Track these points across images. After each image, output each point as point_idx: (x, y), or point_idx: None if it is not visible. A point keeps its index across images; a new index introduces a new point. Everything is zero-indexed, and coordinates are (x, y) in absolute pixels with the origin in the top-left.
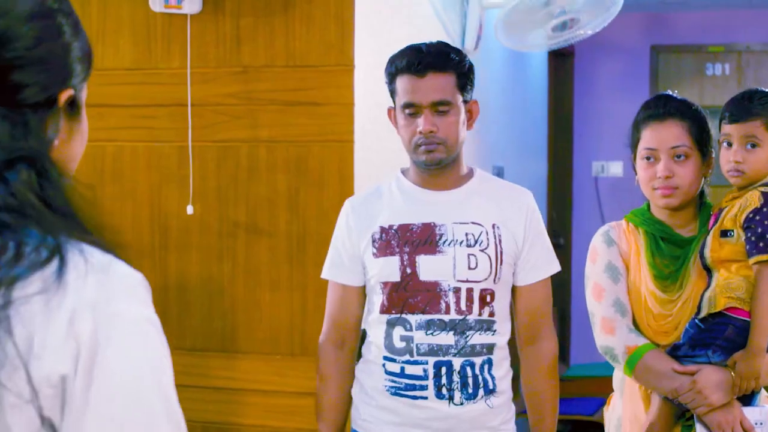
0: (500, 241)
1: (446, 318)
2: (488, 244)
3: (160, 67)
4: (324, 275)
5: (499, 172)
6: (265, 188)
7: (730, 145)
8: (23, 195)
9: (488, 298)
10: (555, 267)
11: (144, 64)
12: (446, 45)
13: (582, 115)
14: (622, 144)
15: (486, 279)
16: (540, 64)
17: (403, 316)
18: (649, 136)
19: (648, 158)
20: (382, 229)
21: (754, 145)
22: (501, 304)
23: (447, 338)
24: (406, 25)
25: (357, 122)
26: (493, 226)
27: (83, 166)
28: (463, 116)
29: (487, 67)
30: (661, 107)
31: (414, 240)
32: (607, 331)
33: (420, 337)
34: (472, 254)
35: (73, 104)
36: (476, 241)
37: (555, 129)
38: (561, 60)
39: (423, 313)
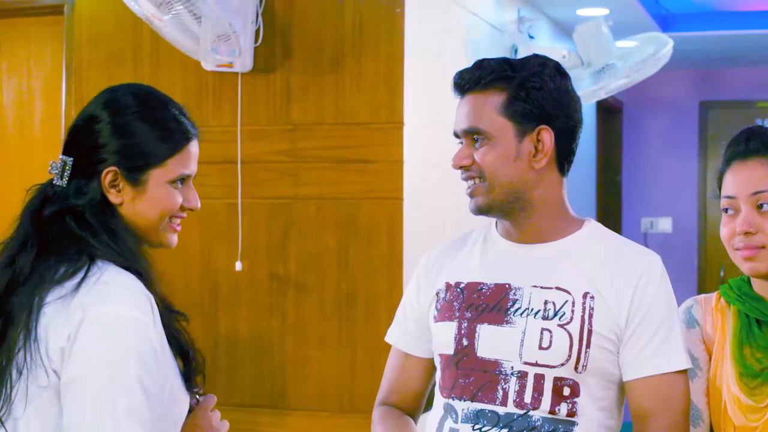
0: (591, 315)
1: (501, 411)
2: (572, 319)
3: (210, 124)
4: (387, 337)
5: None
6: (315, 245)
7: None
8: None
9: (566, 391)
10: (683, 361)
11: (195, 121)
12: (515, 58)
13: (631, 171)
14: (671, 199)
15: (563, 365)
16: (588, 119)
17: (451, 402)
18: (729, 182)
19: (726, 210)
20: (448, 287)
21: None
22: (592, 403)
23: None
24: None
25: (406, 179)
26: (585, 295)
27: None
28: (515, 149)
29: None
30: (743, 143)
31: (480, 304)
32: None
33: None
34: (547, 329)
35: (116, 179)
36: (556, 313)
37: (603, 185)
38: (609, 115)
39: (473, 400)
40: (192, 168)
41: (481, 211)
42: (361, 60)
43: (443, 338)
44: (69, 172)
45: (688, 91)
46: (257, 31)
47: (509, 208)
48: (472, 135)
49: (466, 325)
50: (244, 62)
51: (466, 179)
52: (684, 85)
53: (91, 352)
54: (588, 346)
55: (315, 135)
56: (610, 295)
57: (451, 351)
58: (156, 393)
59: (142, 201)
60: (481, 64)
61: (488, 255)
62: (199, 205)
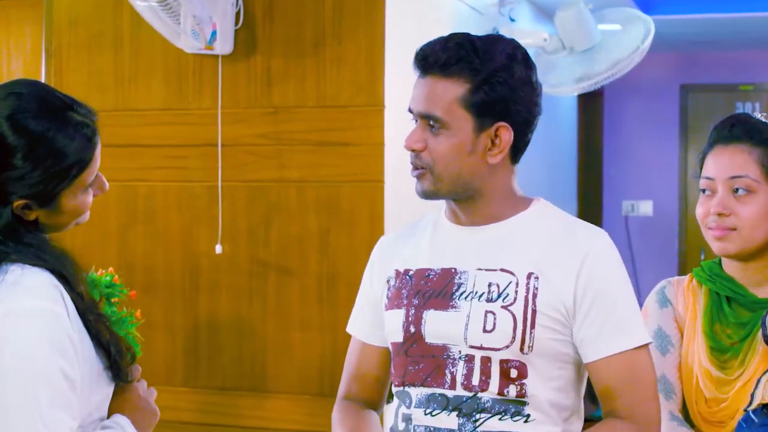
0: (535, 296)
1: (449, 394)
2: (515, 300)
3: (191, 107)
4: (347, 328)
5: None
6: (296, 228)
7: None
8: None
9: (513, 373)
10: (643, 336)
11: (175, 104)
12: (483, 40)
13: (611, 155)
14: (652, 182)
15: (507, 347)
16: (569, 104)
17: (405, 389)
18: (709, 164)
19: (704, 190)
20: (397, 274)
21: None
22: (542, 384)
23: (448, 420)
24: None
25: (387, 162)
26: (529, 276)
27: (116, 205)
28: (470, 142)
29: None
30: (727, 129)
31: (427, 290)
32: None
33: (418, 418)
34: (491, 312)
35: (29, 207)
36: (499, 295)
37: (584, 168)
38: (590, 99)
39: (423, 385)
40: (98, 164)
41: (426, 196)
42: (342, 42)
43: (393, 326)
44: None
45: (669, 74)
46: (237, 14)
47: (456, 196)
48: (428, 120)
49: (413, 312)
50: (224, 45)
51: (414, 164)
52: (665, 68)
53: (5, 349)
54: (533, 326)
55: (296, 118)
56: (554, 275)
57: (400, 339)
58: (79, 378)
59: (57, 215)
60: (445, 45)
61: (437, 240)
62: (107, 187)
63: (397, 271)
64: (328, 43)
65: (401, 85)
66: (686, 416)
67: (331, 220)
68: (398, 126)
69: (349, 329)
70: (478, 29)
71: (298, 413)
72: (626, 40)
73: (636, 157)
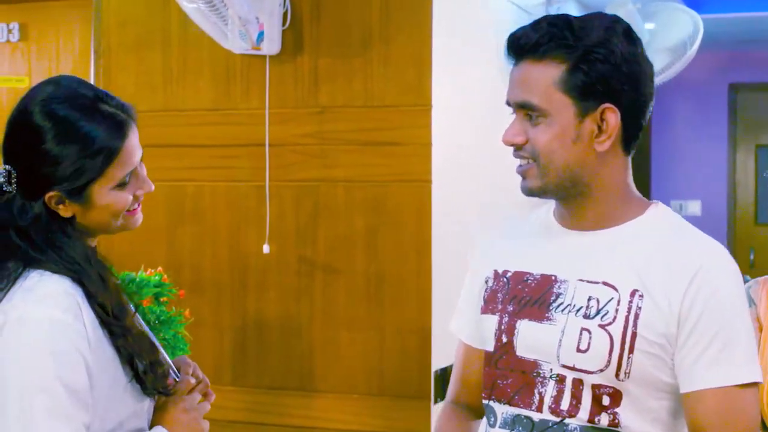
0: (637, 316)
1: (535, 417)
2: (615, 319)
3: (239, 107)
4: (450, 327)
5: None
6: (343, 228)
7: None
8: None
9: (606, 400)
10: (747, 373)
11: (223, 104)
12: (579, 18)
13: (659, 154)
14: (701, 182)
15: (602, 370)
16: None
17: (491, 403)
18: None
19: None
20: (495, 275)
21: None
22: (637, 415)
23: None
24: (483, 65)
25: (434, 162)
26: (633, 293)
27: (165, 205)
28: (574, 129)
29: None
30: None
31: (524, 296)
32: None
33: None
34: (587, 329)
35: (61, 200)
36: (598, 312)
37: (633, 168)
38: None
39: (510, 403)
40: (135, 161)
41: (532, 193)
42: (389, 42)
43: (486, 333)
44: (16, 179)
45: (718, 73)
46: (285, 14)
47: (565, 192)
48: (525, 110)
49: (507, 319)
50: (271, 45)
51: (517, 157)
52: (713, 67)
53: (8, 356)
54: (631, 351)
55: (343, 118)
56: (660, 294)
57: (491, 348)
58: (90, 388)
59: (91, 211)
60: (537, 25)
61: (540, 242)
62: (152, 187)
63: (495, 271)
64: (375, 43)
65: (448, 85)
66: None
67: (378, 220)
68: (445, 126)
69: (452, 329)
70: None
71: (345, 412)
72: (674, 39)
73: (684, 156)
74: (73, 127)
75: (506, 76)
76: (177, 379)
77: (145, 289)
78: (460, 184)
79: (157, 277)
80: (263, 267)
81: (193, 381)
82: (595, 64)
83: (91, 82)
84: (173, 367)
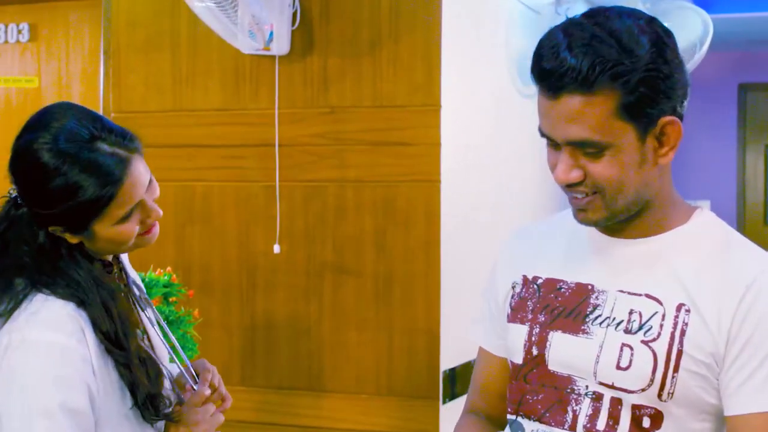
0: (683, 333)
1: None
2: (659, 335)
3: (248, 108)
4: (470, 333)
5: None
6: (352, 228)
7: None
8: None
9: (646, 422)
10: None
11: (232, 105)
12: (619, 29)
13: None
14: (710, 182)
15: (644, 390)
16: None
17: (519, 419)
18: None
19: None
20: (525, 281)
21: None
22: None
23: None
24: (493, 66)
25: (444, 162)
26: (679, 307)
27: (174, 205)
28: (639, 153)
29: None
30: None
31: (557, 306)
32: None
33: None
34: (628, 345)
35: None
36: (641, 326)
37: None
38: None
39: (540, 420)
40: (137, 195)
41: (595, 224)
42: (399, 42)
43: (513, 344)
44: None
45: (727, 73)
46: (294, 15)
47: (630, 215)
48: (582, 147)
49: (537, 330)
50: (281, 45)
51: (572, 191)
52: (723, 67)
53: (10, 379)
54: (676, 370)
55: (352, 118)
56: (708, 309)
57: (519, 360)
58: (92, 413)
59: (97, 242)
60: (575, 51)
61: (575, 246)
62: (160, 214)
63: (524, 277)
64: (384, 43)
65: (458, 85)
66: None
67: (387, 220)
68: (454, 126)
69: (472, 336)
70: (534, 28)
71: (354, 413)
72: (685, 40)
73: (693, 156)
74: (64, 178)
75: (526, 96)
76: (194, 387)
77: (154, 290)
78: (470, 184)
79: (166, 277)
80: (272, 267)
81: (207, 392)
82: (656, 84)
83: (101, 82)
84: (192, 370)
